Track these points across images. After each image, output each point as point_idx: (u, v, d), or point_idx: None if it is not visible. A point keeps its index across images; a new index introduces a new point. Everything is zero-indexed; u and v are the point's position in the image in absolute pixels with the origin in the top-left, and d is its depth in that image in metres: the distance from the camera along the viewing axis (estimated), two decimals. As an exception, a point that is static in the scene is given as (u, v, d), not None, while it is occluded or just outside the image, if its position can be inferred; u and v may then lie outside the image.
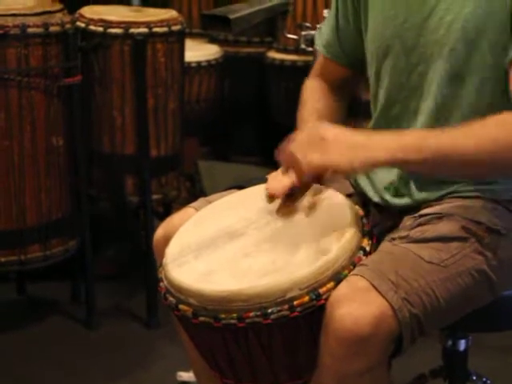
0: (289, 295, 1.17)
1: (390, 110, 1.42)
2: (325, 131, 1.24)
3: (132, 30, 2.29)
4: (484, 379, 1.62)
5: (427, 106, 1.36)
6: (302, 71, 3.27)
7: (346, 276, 1.21)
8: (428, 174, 1.31)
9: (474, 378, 1.59)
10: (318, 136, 1.23)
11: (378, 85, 1.44)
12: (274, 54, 3.32)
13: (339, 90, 1.55)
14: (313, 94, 1.54)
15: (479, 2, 1.28)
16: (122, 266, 2.74)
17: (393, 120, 1.42)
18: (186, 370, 2.00)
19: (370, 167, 1.25)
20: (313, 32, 2.28)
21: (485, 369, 1.66)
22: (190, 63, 2.88)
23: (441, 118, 1.35)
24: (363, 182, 1.46)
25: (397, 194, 1.40)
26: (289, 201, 1.35)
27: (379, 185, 1.42)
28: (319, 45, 1.57)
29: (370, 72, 1.46)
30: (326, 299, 1.18)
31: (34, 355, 2.26)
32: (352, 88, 1.60)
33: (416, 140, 1.22)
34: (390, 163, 1.24)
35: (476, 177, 1.32)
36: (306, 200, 1.36)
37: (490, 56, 1.30)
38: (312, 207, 1.35)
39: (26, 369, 2.20)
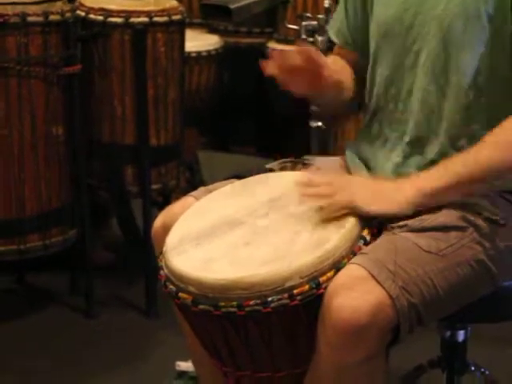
0: (289, 284, 1.17)
1: (387, 91, 1.43)
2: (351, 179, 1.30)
3: (132, 20, 2.29)
4: (482, 370, 1.63)
5: (422, 83, 1.37)
6: (303, 62, 3.27)
7: (345, 265, 1.21)
8: (462, 197, 1.31)
9: (473, 368, 1.60)
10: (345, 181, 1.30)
11: (376, 65, 1.45)
12: (274, 45, 3.30)
13: (356, 73, 1.55)
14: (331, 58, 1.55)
15: None
16: (121, 255, 2.74)
17: (391, 99, 1.43)
18: (185, 359, 2.01)
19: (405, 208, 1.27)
20: (313, 22, 2.28)
21: (483, 360, 1.67)
22: (190, 53, 2.87)
23: (438, 95, 1.36)
24: (363, 173, 1.46)
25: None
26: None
27: (379, 174, 1.42)
28: (331, 33, 1.59)
29: (371, 53, 1.47)
30: (326, 288, 1.19)
31: (33, 345, 2.26)
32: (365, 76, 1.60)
33: (438, 168, 1.27)
34: (422, 198, 1.27)
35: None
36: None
37: (490, 28, 1.31)
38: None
39: (25, 359, 2.19)
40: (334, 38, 1.58)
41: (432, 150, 1.37)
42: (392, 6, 1.40)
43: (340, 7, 1.56)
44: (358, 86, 1.53)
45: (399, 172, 1.40)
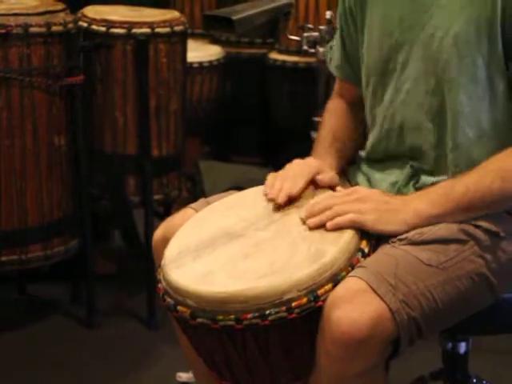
0: (287, 297, 1.17)
1: (390, 126, 1.42)
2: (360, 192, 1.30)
3: (134, 30, 2.29)
4: (484, 382, 1.62)
5: (420, 122, 1.37)
6: (304, 72, 3.29)
7: (344, 278, 1.21)
8: (465, 219, 1.31)
9: (474, 380, 1.59)
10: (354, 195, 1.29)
11: (376, 102, 1.45)
12: (275, 55, 3.32)
13: (358, 107, 1.55)
14: (330, 114, 1.57)
15: (468, 17, 1.29)
16: (123, 265, 2.74)
17: (392, 133, 1.42)
18: (186, 370, 2.00)
19: (404, 229, 1.27)
20: (315, 33, 2.29)
21: (485, 372, 1.66)
22: (192, 64, 2.88)
23: (438, 134, 1.36)
24: (363, 185, 1.46)
25: (398, 195, 1.40)
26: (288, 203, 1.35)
27: (380, 187, 1.42)
28: (331, 66, 1.59)
29: (366, 90, 1.47)
30: (324, 301, 1.18)
31: (34, 355, 2.26)
32: None
33: (442, 191, 1.27)
34: (420, 221, 1.27)
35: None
36: (305, 201, 1.36)
37: (485, 67, 1.30)
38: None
39: (26, 369, 2.20)
40: (335, 71, 1.58)
41: (429, 179, 1.37)
42: (386, 42, 1.39)
43: (337, 38, 1.55)
44: (360, 131, 1.54)
45: (399, 189, 1.40)
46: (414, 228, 1.27)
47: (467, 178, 1.28)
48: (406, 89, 1.38)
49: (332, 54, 1.59)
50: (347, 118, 1.56)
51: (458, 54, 1.30)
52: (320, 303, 1.18)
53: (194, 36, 3.15)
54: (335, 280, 1.20)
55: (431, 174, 1.38)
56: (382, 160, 1.46)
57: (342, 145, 1.51)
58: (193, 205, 1.46)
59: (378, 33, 1.41)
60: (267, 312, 1.16)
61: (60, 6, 2.20)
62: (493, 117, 1.33)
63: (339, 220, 1.26)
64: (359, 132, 1.56)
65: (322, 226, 1.29)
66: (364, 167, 1.49)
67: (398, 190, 1.41)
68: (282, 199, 1.34)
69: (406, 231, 1.27)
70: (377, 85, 1.43)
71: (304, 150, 1.56)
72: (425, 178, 1.38)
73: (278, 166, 1.57)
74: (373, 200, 1.29)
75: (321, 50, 2.25)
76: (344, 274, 1.21)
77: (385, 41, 1.39)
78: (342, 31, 1.53)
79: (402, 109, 1.39)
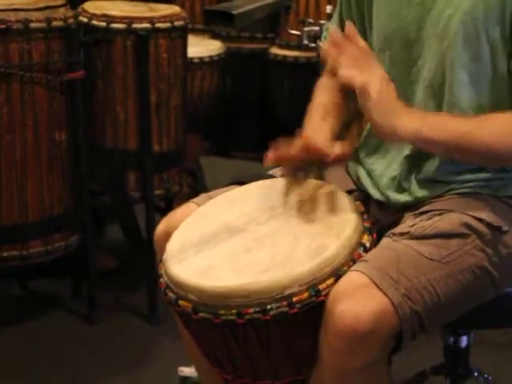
0: (288, 291, 1.17)
1: None
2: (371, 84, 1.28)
3: (135, 26, 2.29)
4: (485, 376, 1.62)
5: (422, 100, 1.36)
6: (305, 67, 3.29)
7: (345, 272, 1.21)
8: (443, 155, 1.32)
9: (476, 374, 1.59)
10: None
11: None
12: (276, 50, 3.32)
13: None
14: (321, 90, 1.55)
15: None
16: (124, 261, 2.74)
17: None
18: (188, 365, 2.00)
19: (394, 135, 1.28)
20: (315, 28, 2.29)
21: (487, 366, 1.66)
22: (192, 59, 2.88)
23: (440, 107, 1.35)
24: (364, 179, 1.46)
25: (399, 189, 1.40)
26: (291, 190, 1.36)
27: (380, 181, 1.42)
28: (326, 44, 1.57)
29: None
30: (326, 295, 1.19)
31: (35, 350, 2.26)
32: None
33: (439, 121, 1.28)
34: (409, 138, 1.28)
35: (487, 164, 1.33)
36: (306, 196, 1.36)
37: (488, 51, 1.30)
38: (313, 203, 1.35)
39: (27, 364, 2.20)
40: None
41: (430, 166, 1.37)
42: (393, 18, 1.38)
43: (335, 17, 1.55)
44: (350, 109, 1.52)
45: (398, 183, 1.40)
46: (400, 139, 1.29)
47: (469, 122, 1.27)
48: (419, 65, 1.36)
49: (327, 33, 1.57)
50: (337, 93, 1.53)
51: (464, 31, 1.30)
52: (321, 298, 1.18)
53: (195, 31, 3.14)
54: (337, 275, 1.20)
55: (428, 156, 1.37)
56: (378, 148, 1.45)
57: (333, 119, 1.48)
58: (195, 199, 1.46)
59: (385, 9, 1.40)
60: (268, 307, 1.17)
61: (60, 1, 2.20)
62: (494, 97, 1.33)
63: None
64: (349, 111, 1.52)
65: (323, 221, 1.29)
66: (362, 158, 1.48)
67: (399, 183, 1.40)
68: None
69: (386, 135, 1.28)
70: (381, 61, 1.42)
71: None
72: (427, 167, 1.38)
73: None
74: (382, 85, 1.28)
75: (321, 44, 2.24)
76: (345, 268, 1.21)
77: (392, 17, 1.39)
78: (341, 11, 1.52)
79: (410, 86, 1.38)
